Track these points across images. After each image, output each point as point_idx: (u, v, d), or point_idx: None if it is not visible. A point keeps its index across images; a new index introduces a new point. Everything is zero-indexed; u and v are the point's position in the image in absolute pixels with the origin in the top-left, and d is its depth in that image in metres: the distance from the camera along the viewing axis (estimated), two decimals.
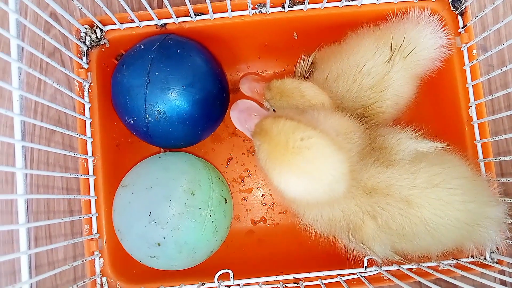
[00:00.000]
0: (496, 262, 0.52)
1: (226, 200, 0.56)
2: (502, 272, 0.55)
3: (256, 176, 0.67)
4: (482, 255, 0.53)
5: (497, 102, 0.64)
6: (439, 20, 0.55)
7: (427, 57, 0.54)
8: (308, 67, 0.56)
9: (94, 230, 0.55)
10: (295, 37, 0.63)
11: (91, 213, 0.55)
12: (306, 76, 0.56)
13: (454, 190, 0.44)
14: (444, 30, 0.54)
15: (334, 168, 0.40)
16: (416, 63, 0.53)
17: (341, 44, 0.56)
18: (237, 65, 0.67)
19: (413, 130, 0.49)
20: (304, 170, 0.39)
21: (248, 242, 0.65)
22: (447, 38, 0.55)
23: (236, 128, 0.66)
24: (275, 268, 0.59)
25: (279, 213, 0.66)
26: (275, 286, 0.53)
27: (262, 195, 0.66)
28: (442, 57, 0.55)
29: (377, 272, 0.52)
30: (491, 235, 0.48)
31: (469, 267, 0.51)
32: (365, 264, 0.52)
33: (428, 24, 0.54)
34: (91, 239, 0.54)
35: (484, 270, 0.48)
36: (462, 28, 0.55)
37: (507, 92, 0.47)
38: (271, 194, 0.66)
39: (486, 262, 0.52)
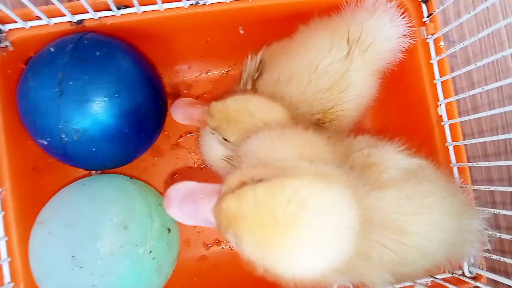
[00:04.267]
0: (475, 277, 0.47)
1: (169, 229, 0.48)
2: None
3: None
4: (460, 269, 0.48)
5: (463, 103, 0.60)
6: (397, 7, 0.49)
7: (388, 49, 0.48)
8: (256, 67, 0.48)
9: (7, 279, 0.45)
10: (241, 32, 0.55)
11: (0, 258, 0.45)
12: (255, 78, 0.48)
13: (446, 212, 0.40)
14: (403, 18, 0.49)
15: (346, 213, 0.31)
16: (377, 56, 0.48)
17: (292, 39, 0.50)
18: (175, 65, 0.59)
19: (393, 142, 0.44)
20: (313, 237, 0.29)
21: (202, 269, 0.58)
22: (408, 26, 0.49)
23: (179, 139, 0.58)
24: None
25: None
26: None
27: None
28: (404, 47, 0.49)
29: None
30: (471, 249, 0.45)
31: (446, 286, 0.46)
32: None
33: (386, 12, 0.48)
34: None
35: None
36: (427, 17, 0.49)
37: (483, 90, 0.41)
38: None
39: (464, 278, 0.47)
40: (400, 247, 0.38)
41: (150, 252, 0.44)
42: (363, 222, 0.32)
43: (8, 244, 0.46)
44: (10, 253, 0.46)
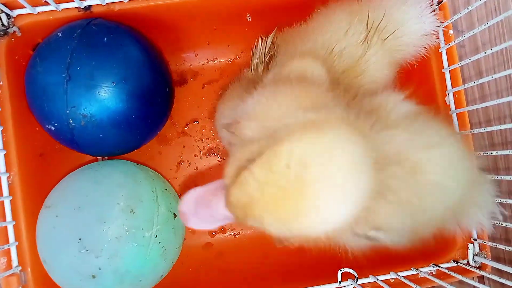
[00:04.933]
0: (479, 267, 0.47)
1: (175, 215, 0.48)
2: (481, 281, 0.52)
3: (212, 180, 0.58)
4: (464, 259, 0.48)
5: (471, 92, 0.59)
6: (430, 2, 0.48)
7: (409, 43, 0.47)
8: (267, 50, 0.47)
9: (15, 263, 0.46)
10: (249, 19, 0.55)
11: (8, 242, 0.45)
12: (266, 61, 0.47)
13: (456, 147, 0.39)
14: (433, 15, 0.47)
15: (350, 149, 0.29)
16: (397, 48, 0.46)
17: (307, 23, 0.48)
18: (183, 53, 0.59)
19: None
20: (327, 188, 0.28)
21: (206, 257, 0.58)
22: (437, 26, 0.48)
23: (185, 127, 0.58)
24: (237, 285, 0.55)
25: None
26: None
27: None
28: (428, 44, 0.48)
29: (352, 286, 0.47)
30: (479, 217, 0.43)
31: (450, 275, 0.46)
32: (339, 279, 0.46)
33: (416, 5, 0.46)
34: (11, 275, 0.45)
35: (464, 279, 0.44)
36: (436, 5, 0.49)
37: (492, 78, 0.41)
38: None
39: (468, 268, 0.47)
40: (416, 185, 0.36)
41: (156, 236, 0.44)
42: (375, 161, 0.31)
43: (16, 228, 0.46)
44: (17, 237, 0.46)
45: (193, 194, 0.35)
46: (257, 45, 0.48)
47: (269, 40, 0.47)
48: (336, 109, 0.33)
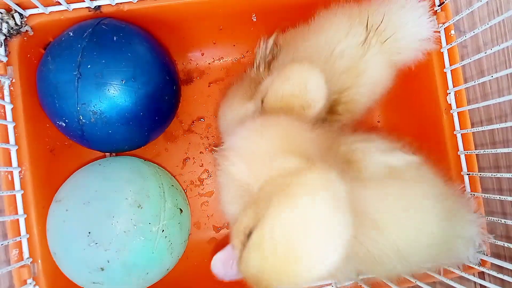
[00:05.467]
0: (479, 263, 0.48)
1: (181, 210, 0.49)
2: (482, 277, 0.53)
3: (217, 177, 0.60)
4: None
5: (473, 90, 0.59)
6: (430, 7, 0.48)
7: (407, 47, 0.48)
8: (269, 50, 0.49)
9: (26, 255, 0.47)
10: (254, 19, 0.56)
11: (20, 235, 0.46)
12: (268, 60, 0.48)
13: (427, 213, 0.40)
14: (431, 21, 0.48)
15: (335, 211, 0.32)
16: (396, 51, 0.48)
17: (310, 24, 0.49)
18: (189, 52, 0.60)
19: (381, 139, 0.44)
20: (318, 246, 0.31)
21: (211, 251, 0.59)
22: (434, 31, 0.48)
23: (191, 124, 0.60)
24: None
25: None
26: None
27: None
28: (426, 50, 0.49)
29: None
30: (465, 253, 0.46)
31: (450, 271, 0.47)
32: None
33: (414, 10, 0.47)
34: (22, 266, 0.46)
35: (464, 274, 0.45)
36: (438, 6, 0.49)
37: (492, 77, 0.42)
38: None
39: (468, 264, 0.48)
40: (374, 244, 0.39)
41: (163, 231, 0.46)
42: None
43: (27, 221, 0.47)
44: (28, 230, 0.47)
45: (218, 259, 0.41)
46: (259, 46, 0.49)
47: (271, 41, 0.48)
48: (316, 157, 0.36)
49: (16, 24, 0.48)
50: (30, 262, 0.47)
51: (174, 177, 0.56)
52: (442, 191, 0.43)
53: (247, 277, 0.33)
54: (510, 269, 0.43)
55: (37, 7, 0.47)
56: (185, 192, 0.57)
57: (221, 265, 0.41)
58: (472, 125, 0.50)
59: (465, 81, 0.50)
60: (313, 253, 0.31)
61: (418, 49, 0.48)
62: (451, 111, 0.50)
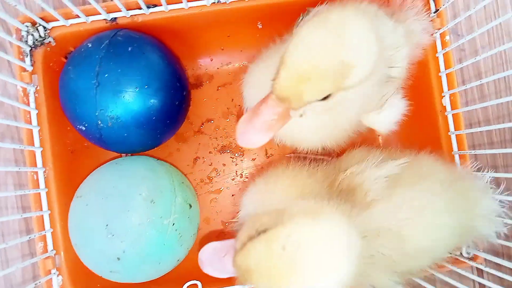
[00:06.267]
0: (472, 258, 0.50)
1: (191, 205, 0.53)
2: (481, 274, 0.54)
3: (225, 176, 0.63)
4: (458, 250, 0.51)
5: (471, 92, 0.61)
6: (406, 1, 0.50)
7: (413, 41, 0.49)
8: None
9: (50, 247, 0.51)
10: (260, 27, 0.59)
11: (44, 229, 0.51)
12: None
13: (438, 208, 0.42)
14: (425, 13, 0.50)
15: (339, 236, 0.33)
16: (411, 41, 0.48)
17: None
18: (198, 58, 0.63)
19: (373, 154, 0.45)
20: (315, 269, 0.32)
21: None
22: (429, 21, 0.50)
23: (201, 126, 0.63)
24: None
25: None
26: None
27: (232, 195, 0.63)
28: (424, 44, 0.51)
29: None
30: (486, 230, 0.46)
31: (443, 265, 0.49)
32: None
33: (412, 6, 0.49)
34: (47, 257, 0.50)
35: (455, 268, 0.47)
36: (434, 12, 0.52)
37: (481, 83, 0.44)
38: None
39: (461, 259, 0.50)
40: (400, 253, 0.40)
41: (173, 224, 0.49)
42: (364, 235, 0.36)
43: (51, 217, 0.51)
44: (52, 225, 0.51)
45: (211, 247, 0.42)
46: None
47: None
48: (321, 196, 0.38)
49: (40, 36, 0.52)
50: (54, 254, 0.51)
51: (185, 175, 0.60)
52: (446, 177, 0.45)
53: (238, 269, 0.34)
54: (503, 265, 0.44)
55: (59, 20, 0.51)
56: (195, 189, 0.61)
57: (211, 252, 0.41)
58: (471, 126, 0.52)
59: (464, 83, 0.52)
60: (313, 272, 0.32)
61: (420, 44, 0.49)
62: (446, 113, 0.52)
